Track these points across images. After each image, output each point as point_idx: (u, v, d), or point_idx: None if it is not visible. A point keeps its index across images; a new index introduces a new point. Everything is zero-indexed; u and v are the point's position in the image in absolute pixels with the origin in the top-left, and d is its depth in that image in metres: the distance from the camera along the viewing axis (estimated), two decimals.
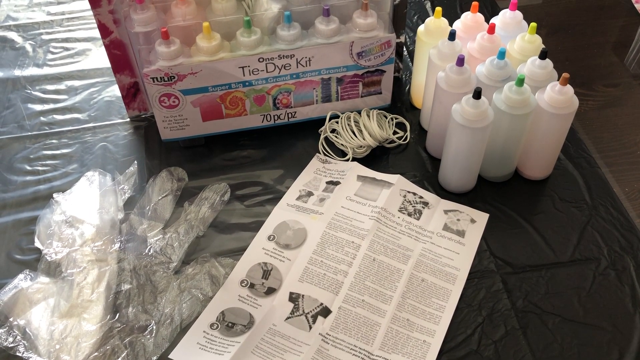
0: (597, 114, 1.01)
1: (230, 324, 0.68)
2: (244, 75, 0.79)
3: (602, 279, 0.72)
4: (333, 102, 0.87)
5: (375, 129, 0.84)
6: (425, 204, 0.79)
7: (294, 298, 0.70)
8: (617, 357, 0.66)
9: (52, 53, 1.02)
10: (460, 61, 0.73)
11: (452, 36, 0.77)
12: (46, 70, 0.99)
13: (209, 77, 0.78)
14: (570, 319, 0.69)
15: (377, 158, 0.85)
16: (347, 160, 0.84)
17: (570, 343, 0.67)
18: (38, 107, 0.93)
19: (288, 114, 0.86)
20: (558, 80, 0.73)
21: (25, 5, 1.11)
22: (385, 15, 0.81)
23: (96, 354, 0.65)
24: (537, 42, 0.78)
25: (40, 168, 0.85)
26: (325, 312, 0.68)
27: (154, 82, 0.77)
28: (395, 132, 0.88)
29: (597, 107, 1.02)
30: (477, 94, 0.70)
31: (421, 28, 0.83)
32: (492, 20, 0.82)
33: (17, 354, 0.65)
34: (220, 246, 0.75)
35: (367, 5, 0.78)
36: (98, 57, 1.00)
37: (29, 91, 0.96)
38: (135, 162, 0.84)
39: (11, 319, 0.67)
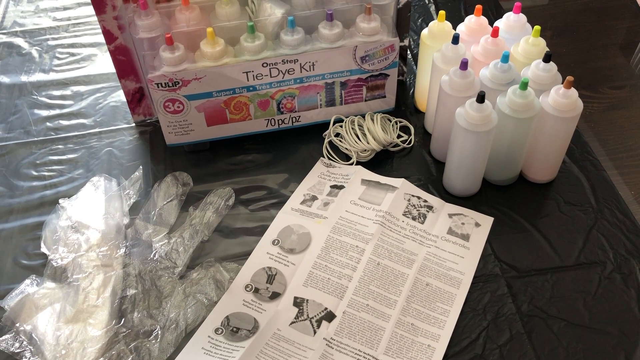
0: (602, 116, 1.01)
1: (234, 329, 0.68)
2: (248, 80, 0.80)
3: (608, 283, 0.72)
4: (337, 106, 0.87)
5: (380, 132, 0.84)
6: (430, 207, 0.79)
7: (298, 303, 0.70)
8: None
9: (58, 59, 1.03)
10: (464, 65, 0.73)
11: (455, 40, 0.77)
12: (52, 76, 1.00)
13: (213, 83, 0.79)
14: (575, 323, 0.68)
15: (381, 162, 0.85)
16: (352, 164, 0.84)
17: (575, 347, 0.67)
18: (44, 113, 0.94)
19: (292, 118, 0.86)
20: (562, 83, 0.73)
21: (32, 11, 1.12)
22: (389, 19, 0.81)
23: (102, 359, 0.65)
24: (541, 45, 0.78)
25: (46, 173, 0.86)
26: (330, 316, 0.68)
27: (158, 87, 0.77)
28: (399, 136, 0.88)
29: (602, 110, 1.02)
30: (481, 98, 0.70)
31: (425, 31, 0.83)
32: (496, 24, 0.82)
33: (24, 359, 0.65)
34: (224, 251, 0.76)
35: (370, 10, 0.78)
36: (104, 63, 1.01)
37: (35, 97, 0.96)
38: (141, 167, 0.85)
39: (17, 325, 0.67)
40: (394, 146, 0.87)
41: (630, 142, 0.97)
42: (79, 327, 0.67)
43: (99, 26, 0.80)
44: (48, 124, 0.92)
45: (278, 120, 0.86)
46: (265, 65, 0.78)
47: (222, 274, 0.73)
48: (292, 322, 0.68)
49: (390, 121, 0.89)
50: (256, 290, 0.71)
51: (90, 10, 1.00)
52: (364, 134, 0.85)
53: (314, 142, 0.88)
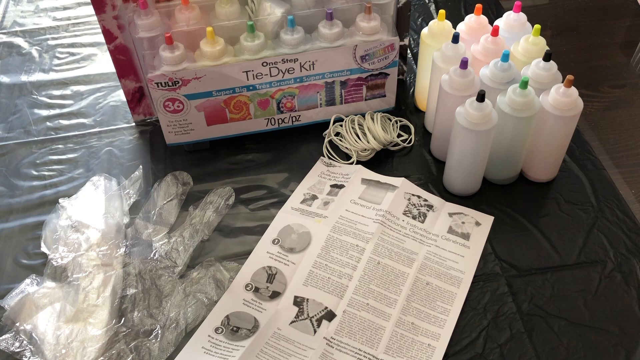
0: (603, 115, 1.01)
1: (235, 328, 0.68)
2: (248, 80, 0.80)
3: (608, 282, 0.72)
4: (337, 106, 0.87)
5: (380, 132, 0.84)
6: (430, 206, 0.79)
7: (298, 302, 0.70)
8: None
9: (58, 58, 1.03)
10: (464, 64, 0.73)
11: (455, 39, 0.77)
12: (52, 76, 1.00)
13: (213, 82, 0.79)
14: (576, 322, 0.68)
15: (381, 161, 0.85)
16: (352, 163, 0.84)
17: (576, 346, 0.67)
18: (44, 112, 0.94)
19: (292, 117, 0.86)
20: (562, 82, 0.73)
21: (32, 11, 1.12)
22: (389, 18, 0.81)
23: (102, 358, 0.65)
24: (541, 44, 0.78)
25: (46, 173, 0.86)
26: (330, 315, 0.68)
27: (158, 87, 0.77)
28: (399, 135, 0.88)
29: (603, 109, 1.02)
30: (481, 97, 0.70)
31: (425, 31, 0.83)
32: (496, 23, 0.82)
33: (24, 359, 0.65)
34: (225, 250, 0.76)
35: (370, 9, 0.78)
36: (103, 62, 1.01)
37: (35, 96, 0.96)
38: (141, 166, 0.85)
39: (17, 324, 0.67)
40: (394, 145, 0.87)
41: (630, 141, 0.97)
42: (79, 326, 0.67)
43: (98, 26, 0.80)
44: (48, 123, 0.92)
45: (278, 120, 0.86)
46: (265, 64, 0.78)
47: (222, 273, 0.73)
48: (293, 322, 0.68)
49: (391, 120, 0.89)
50: (256, 290, 0.71)
51: (90, 9, 1.00)
52: (364, 133, 0.85)
53: (314, 142, 0.87)
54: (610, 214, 0.78)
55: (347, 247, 0.74)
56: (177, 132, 0.84)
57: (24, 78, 0.99)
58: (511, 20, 0.82)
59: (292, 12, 0.78)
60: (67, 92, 0.97)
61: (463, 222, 0.77)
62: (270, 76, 0.80)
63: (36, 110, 0.94)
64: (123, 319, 0.68)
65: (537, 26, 0.77)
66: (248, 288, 0.71)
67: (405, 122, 0.89)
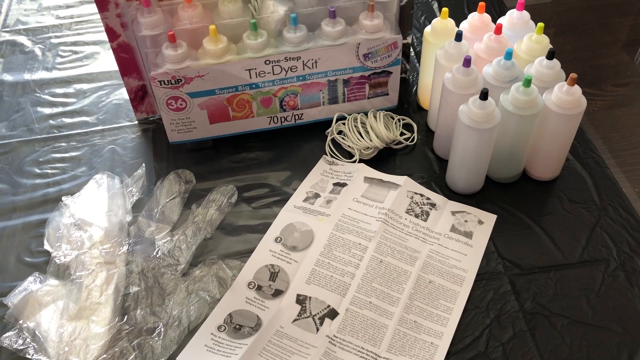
0: (606, 113, 1.01)
1: (237, 326, 0.68)
2: (251, 78, 0.80)
3: (612, 281, 0.71)
4: (340, 104, 0.87)
5: (382, 130, 0.84)
6: (433, 205, 0.79)
7: (301, 300, 0.70)
8: (626, 359, 0.65)
9: (61, 57, 1.03)
10: (467, 62, 0.73)
11: (458, 37, 0.77)
12: (55, 74, 1.00)
13: (215, 80, 0.79)
14: (579, 320, 0.68)
15: (384, 159, 0.85)
16: (354, 161, 0.84)
17: (579, 345, 0.66)
18: (47, 111, 0.94)
19: (295, 115, 0.86)
20: (566, 80, 0.72)
21: (35, 9, 1.12)
22: (392, 16, 0.81)
23: (105, 356, 0.65)
24: (545, 42, 0.78)
25: (49, 171, 0.86)
26: (333, 314, 0.68)
27: (161, 85, 0.77)
28: (402, 134, 0.87)
29: (606, 107, 1.02)
30: (484, 95, 0.70)
31: (428, 29, 0.83)
32: (499, 21, 0.82)
33: (27, 356, 0.65)
34: (227, 248, 0.76)
35: (373, 7, 0.78)
36: (106, 60, 1.01)
37: (38, 95, 0.96)
38: (143, 164, 0.85)
39: (21, 322, 0.68)
40: (396, 144, 0.86)
41: (633, 140, 0.97)
42: (82, 324, 0.67)
43: (101, 24, 0.80)
44: (51, 121, 0.92)
45: (281, 118, 0.86)
46: (267, 62, 0.78)
47: (224, 271, 0.73)
48: (295, 320, 0.68)
49: (393, 119, 0.88)
50: (259, 288, 0.71)
51: (93, 8, 1.00)
52: (367, 132, 0.85)
53: (316, 140, 0.87)
54: (614, 212, 0.78)
55: (349, 246, 0.74)
56: (180, 130, 0.84)
57: (27, 76, 1.00)
58: (514, 18, 0.82)
59: (294, 10, 0.78)
60: (70, 90, 0.97)
61: (466, 221, 0.77)
62: (273, 74, 0.80)
63: (39, 109, 0.94)
64: (126, 316, 0.68)
65: (541, 24, 0.77)
66: (251, 286, 0.71)
67: (408, 120, 0.89)
